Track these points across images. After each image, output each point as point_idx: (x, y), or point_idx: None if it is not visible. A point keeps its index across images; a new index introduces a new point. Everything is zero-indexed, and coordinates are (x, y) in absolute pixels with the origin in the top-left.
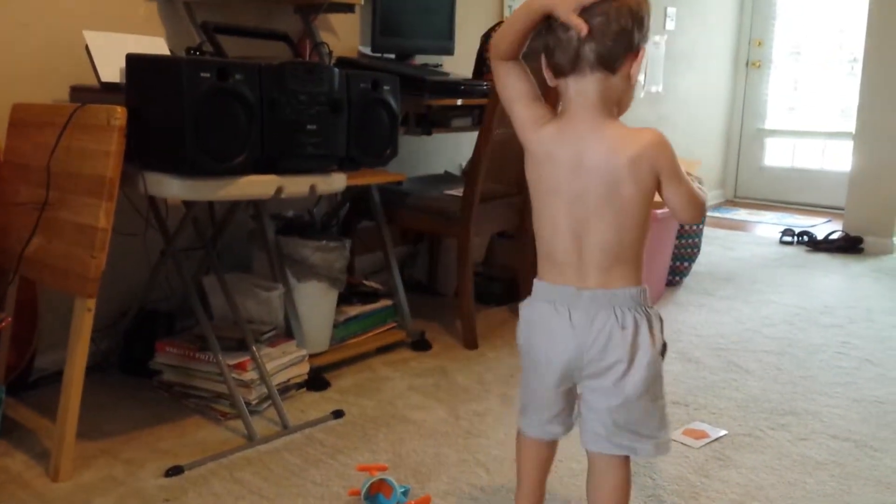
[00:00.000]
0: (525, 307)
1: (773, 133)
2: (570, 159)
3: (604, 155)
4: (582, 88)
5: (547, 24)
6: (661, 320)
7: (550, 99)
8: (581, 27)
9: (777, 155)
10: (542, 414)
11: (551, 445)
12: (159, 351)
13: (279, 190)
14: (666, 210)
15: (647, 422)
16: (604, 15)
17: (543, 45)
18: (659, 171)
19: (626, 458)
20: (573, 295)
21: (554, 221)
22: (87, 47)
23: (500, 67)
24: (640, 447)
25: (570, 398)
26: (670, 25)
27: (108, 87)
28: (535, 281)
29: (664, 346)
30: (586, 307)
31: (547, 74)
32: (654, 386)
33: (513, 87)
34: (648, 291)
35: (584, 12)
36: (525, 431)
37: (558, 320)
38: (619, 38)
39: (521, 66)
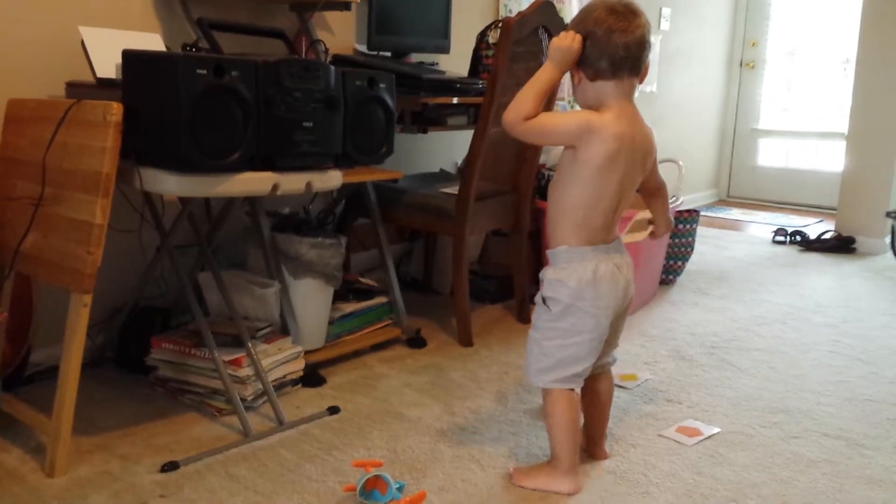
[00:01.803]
0: (569, 270)
1: (767, 133)
2: (629, 139)
3: (644, 135)
4: (624, 87)
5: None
6: None
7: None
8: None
9: (770, 155)
10: (593, 359)
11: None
12: (155, 347)
13: (275, 187)
14: None
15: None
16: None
17: (585, 59)
18: (655, 151)
19: None
20: (607, 250)
21: (602, 190)
22: (82, 43)
23: (532, 123)
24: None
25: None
26: (665, 26)
27: (104, 83)
28: (565, 248)
29: None
30: (620, 256)
31: (579, 76)
32: None
33: (551, 120)
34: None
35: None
36: (582, 381)
37: (608, 273)
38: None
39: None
